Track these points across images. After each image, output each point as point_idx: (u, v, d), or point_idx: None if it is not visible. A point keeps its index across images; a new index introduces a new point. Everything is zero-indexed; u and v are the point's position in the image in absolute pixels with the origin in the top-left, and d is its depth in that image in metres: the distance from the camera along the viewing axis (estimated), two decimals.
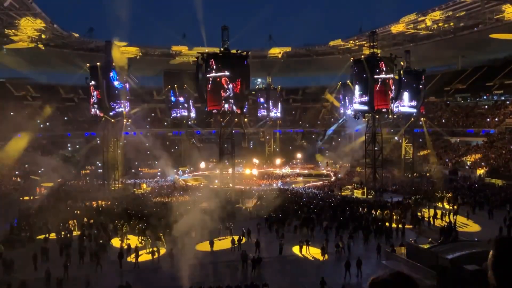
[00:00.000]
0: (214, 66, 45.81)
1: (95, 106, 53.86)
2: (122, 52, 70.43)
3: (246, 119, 60.03)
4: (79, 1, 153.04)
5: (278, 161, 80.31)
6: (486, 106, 71.77)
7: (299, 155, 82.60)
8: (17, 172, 60.15)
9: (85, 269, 25.91)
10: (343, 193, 51.46)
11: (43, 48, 73.75)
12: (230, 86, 45.64)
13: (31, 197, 48.35)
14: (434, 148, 68.52)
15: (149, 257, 28.08)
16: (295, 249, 29.59)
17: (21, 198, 48.27)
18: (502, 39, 65.28)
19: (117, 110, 53.94)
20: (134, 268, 26.44)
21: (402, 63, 54.93)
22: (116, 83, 53.49)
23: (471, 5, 58.29)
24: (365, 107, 50.10)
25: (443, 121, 74.14)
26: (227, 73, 45.62)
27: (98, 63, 53.33)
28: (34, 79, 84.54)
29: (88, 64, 54.30)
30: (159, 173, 67.47)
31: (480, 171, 55.49)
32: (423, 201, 43.38)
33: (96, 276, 25.05)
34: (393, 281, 2.01)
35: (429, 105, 74.75)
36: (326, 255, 27.78)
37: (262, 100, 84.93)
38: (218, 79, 45.74)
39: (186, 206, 38.63)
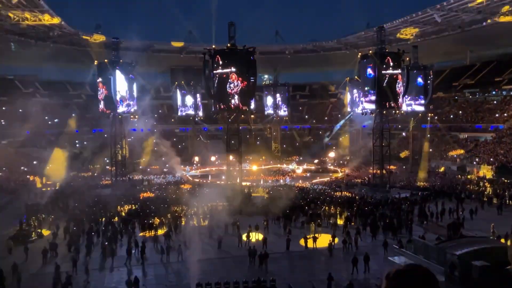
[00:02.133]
0: (221, 62, 45.75)
1: (103, 102, 54.12)
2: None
3: (252, 115, 60.03)
4: None
5: (284, 157, 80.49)
6: (495, 101, 71.19)
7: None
8: (25, 169, 60.61)
9: (93, 264, 26.12)
10: None
11: (51, 45, 74.23)
12: (238, 82, 45.57)
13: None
14: (443, 144, 68.19)
15: (157, 252, 28.19)
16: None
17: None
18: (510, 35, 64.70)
19: (124, 106, 54.19)
20: (142, 263, 26.59)
21: (407, 58, 54.54)
22: (123, 80, 53.70)
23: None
24: (373, 103, 49.86)
25: (451, 116, 73.68)
26: (233, 69, 45.55)
27: (106, 60, 53.57)
28: (42, 76, 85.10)
29: (96, 61, 54.50)
30: (165, 169, 67.79)
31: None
32: (431, 197, 43.28)
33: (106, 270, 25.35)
34: (410, 273, 1.97)
35: (438, 101, 74.29)
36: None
37: (269, 96, 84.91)
38: (225, 75, 45.69)
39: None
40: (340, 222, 34.37)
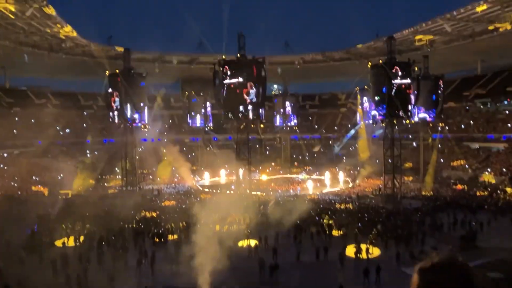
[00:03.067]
0: (230, 73, 45.97)
1: (114, 113, 54.49)
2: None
3: (262, 125, 60.02)
4: (98, 10, 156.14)
5: (294, 167, 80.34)
6: (507, 111, 70.48)
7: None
8: (37, 178, 61.04)
9: (104, 274, 26.12)
10: None
11: (63, 56, 75.32)
12: (252, 91, 45.71)
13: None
14: (454, 154, 67.62)
15: (168, 262, 28.15)
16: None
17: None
18: None
19: (135, 117, 54.52)
20: (152, 273, 26.52)
21: (416, 68, 54.35)
22: (134, 90, 54.08)
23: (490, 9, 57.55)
24: (383, 113, 49.59)
25: (463, 126, 73.03)
26: (243, 79, 45.74)
27: (117, 70, 54.09)
28: (54, 87, 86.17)
29: (107, 72, 54.95)
30: (176, 179, 67.99)
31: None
32: (443, 207, 42.80)
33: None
34: (446, 267, 1.80)
35: (448, 111, 73.80)
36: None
37: (278, 106, 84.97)
38: (233, 85, 45.87)
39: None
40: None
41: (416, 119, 57.91)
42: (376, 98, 50.41)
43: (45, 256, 28.67)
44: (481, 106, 76.66)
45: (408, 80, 48.87)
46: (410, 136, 69.96)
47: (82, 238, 33.47)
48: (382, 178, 52.80)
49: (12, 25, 60.52)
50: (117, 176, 63.02)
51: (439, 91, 60.86)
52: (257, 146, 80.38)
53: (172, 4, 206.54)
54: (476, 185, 55.88)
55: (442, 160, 66.81)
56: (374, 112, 51.86)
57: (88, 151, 76.44)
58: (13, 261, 27.79)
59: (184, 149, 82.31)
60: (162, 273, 26.85)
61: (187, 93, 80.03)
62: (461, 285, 1.78)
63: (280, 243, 32.07)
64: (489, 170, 59.07)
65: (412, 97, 49.66)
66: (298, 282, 25.57)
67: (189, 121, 79.30)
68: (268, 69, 50.51)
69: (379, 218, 38.54)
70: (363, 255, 28.33)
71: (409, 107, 49.69)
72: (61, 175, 58.04)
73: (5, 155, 64.00)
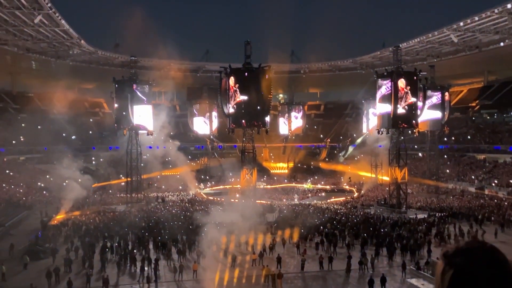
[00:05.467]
0: (236, 81, 46.03)
1: (119, 119, 54.65)
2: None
3: (267, 134, 60.00)
4: (105, 18, 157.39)
5: (299, 176, 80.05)
6: None
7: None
8: (42, 185, 61.08)
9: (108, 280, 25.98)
10: None
11: (70, 63, 75.84)
12: (258, 99, 45.74)
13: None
14: (460, 165, 67.17)
15: (171, 269, 27.98)
16: None
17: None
18: None
19: (140, 124, 54.64)
20: (155, 281, 26.32)
21: (424, 77, 54.17)
22: (139, 97, 54.28)
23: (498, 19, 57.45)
24: (389, 123, 49.35)
25: (469, 137, 72.56)
26: (249, 87, 45.75)
27: (123, 77, 54.36)
28: (61, 93, 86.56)
29: (114, 77, 55.17)
30: (180, 187, 67.89)
31: None
32: (449, 218, 42.42)
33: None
34: (474, 250, 1.65)
35: (455, 121, 73.43)
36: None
37: (284, 115, 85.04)
38: (239, 94, 45.88)
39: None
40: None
41: (421, 127, 57.60)
42: (382, 107, 50.25)
43: (48, 262, 28.63)
44: (488, 117, 76.27)
45: (414, 90, 48.68)
46: (416, 146, 69.65)
47: (85, 243, 33.32)
48: (387, 188, 52.47)
49: (20, 32, 61.04)
50: (122, 183, 63.00)
51: (445, 102, 60.65)
52: (262, 154, 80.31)
53: (179, 12, 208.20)
54: (483, 196, 55.38)
55: (448, 171, 66.40)
56: (379, 122, 51.64)
57: (93, 158, 76.56)
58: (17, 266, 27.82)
59: (189, 156, 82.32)
60: (166, 280, 26.67)
61: (192, 101, 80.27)
62: (492, 268, 1.61)
63: (285, 252, 31.85)
64: (495, 181, 58.53)
65: (418, 106, 49.45)
66: None
67: (194, 129, 79.43)
68: (274, 77, 50.51)
69: (384, 228, 38.23)
70: (368, 265, 28.04)
71: (415, 117, 49.44)
72: (66, 181, 57.94)
73: (11, 160, 64.16)
